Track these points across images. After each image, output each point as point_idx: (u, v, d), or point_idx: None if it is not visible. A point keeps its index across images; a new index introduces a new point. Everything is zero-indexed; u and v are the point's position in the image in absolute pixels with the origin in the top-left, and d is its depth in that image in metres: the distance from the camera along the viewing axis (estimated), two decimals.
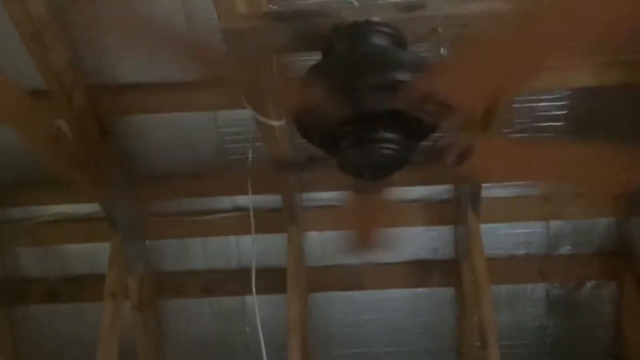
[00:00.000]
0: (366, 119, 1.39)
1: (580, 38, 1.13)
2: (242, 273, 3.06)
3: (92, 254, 3.20)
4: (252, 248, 2.65)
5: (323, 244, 3.21)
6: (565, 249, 3.16)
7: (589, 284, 3.20)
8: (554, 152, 1.66)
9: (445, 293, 3.24)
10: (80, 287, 3.20)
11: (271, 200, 3.04)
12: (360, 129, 1.39)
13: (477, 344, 2.87)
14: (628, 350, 3.08)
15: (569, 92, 2.67)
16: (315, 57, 1.62)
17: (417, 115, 1.38)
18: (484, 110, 2.32)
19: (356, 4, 1.69)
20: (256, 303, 2.30)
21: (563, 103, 2.71)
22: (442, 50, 1.61)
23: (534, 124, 2.79)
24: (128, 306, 3.04)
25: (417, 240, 3.21)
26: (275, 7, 2.21)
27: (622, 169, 1.61)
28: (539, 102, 2.71)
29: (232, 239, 3.18)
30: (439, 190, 3.10)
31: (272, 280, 3.06)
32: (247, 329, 3.32)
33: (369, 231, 2.06)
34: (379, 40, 1.53)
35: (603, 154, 1.56)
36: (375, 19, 1.56)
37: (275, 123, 2.25)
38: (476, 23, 1.67)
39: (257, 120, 2.31)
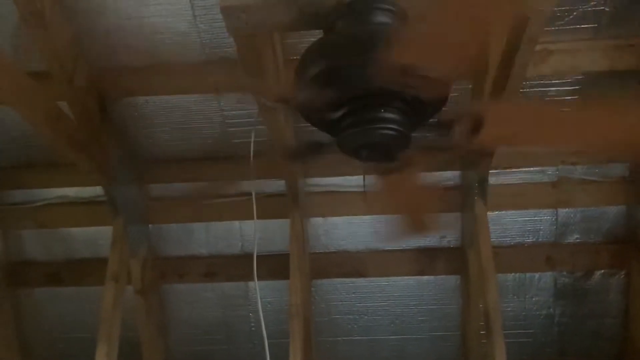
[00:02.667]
0: (364, 99, 1.34)
1: None
2: (245, 258, 3.03)
3: (95, 237, 3.18)
4: (254, 233, 2.61)
5: (327, 229, 3.18)
6: (573, 237, 3.11)
7: (598, 273, 3.14)
8: (572, 113, 1.57)
9: (451, 280, 3.20)
10: (83, 270, 3.19)
11: (275, 185, 3.00)
12: (357, 110, 1.34)
13: (482, 332, 2.83)
14: (636, 339, 3.03)
15: (580, 77, 2.60)
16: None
17: (407, 92, 1.33)
18: (492, 86, 2.24)
19: None
20: (257, 288, 2.27)
21: (574, 88, 2.64)
22: None
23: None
24: (130, 290, 3.03)
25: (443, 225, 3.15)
26: None
27: None
28: (550, 87, 2.64)
29: (236, 223, 3.15)
30: (447, 176, 3.04)
31: (275, 265, 3.04)
32: (250, 314, 3.30)
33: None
34: (382, 18, 1.48)
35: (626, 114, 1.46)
36: None
37: (278, 106, 2.20)
38: None
39: (260, 104, 2.27)
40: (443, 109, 1.43)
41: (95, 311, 2.85)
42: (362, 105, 1.36)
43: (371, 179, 1.67)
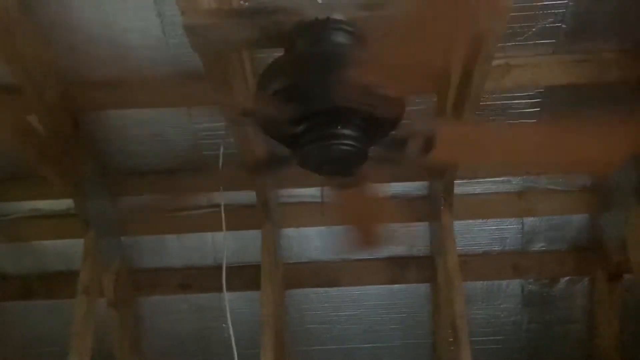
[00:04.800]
0: (322, 116, 1.39)
1: None
2: (218, 269, 3.03)
3: (67, 251, 3.18)
4: (224, 244, 2.65)
5: (299, 240, 3.22)
6: (539, 246, 3.19)
7: (563, 280, 3.22)
8: (522, 134, 1.64)
9: (421, 289, 3.25)
10: (55, 283, 3.18)
11: (247, 196, 3.03)
12: (315, 126, 1.40)
13: (451, 339, 2.89)
14: (600, 344, 3.11)
15: (541, 90, 2.68)
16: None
17: (369, 111, 1.38)
18: (454, 105, 2.32)
19: (319, 1, 1.69)
20: (226, 299, 2.30)
21: (536, 100, 2.73)
22: None
23: (508, 121, 2.80)
24: (104, 303, 3.03)
25: (395, 237, 3.22)
26: (246, 3, 2.21)
27: (609, 146, 1.56)
28: (513, 100, 2.72)
29: (208, 235, 3.17)
30: (415, 187, 3.11)
31: (249, 276, 3.07)
32: (224, 325, 3.31)
33: (368, 228, 2.05)
34: (340, 38, 1.53)
35: (580, 130, 1.53)
36: (336, 16, 1.56)
37: (245, 119, 2.24)
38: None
39: (229, 117, 2.31)
40: (398, 126, 1.49)
41: (68, 325, 2.85)
42: (320, 121, 1.41)
43: (329, 190, 1.73)
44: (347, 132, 1.39)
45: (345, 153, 1.41)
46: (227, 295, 2.41)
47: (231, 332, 2.27)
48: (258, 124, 1.51)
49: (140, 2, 2.34)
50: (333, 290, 3.31)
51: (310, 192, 3.09)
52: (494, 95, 2.66)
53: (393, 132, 1.50)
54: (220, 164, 2.40)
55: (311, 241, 3.22)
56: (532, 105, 2.73)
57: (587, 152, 1.58)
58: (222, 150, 2.35)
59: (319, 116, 1.41)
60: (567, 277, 3.21)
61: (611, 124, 1.53)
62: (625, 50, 2.49)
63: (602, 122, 1.53)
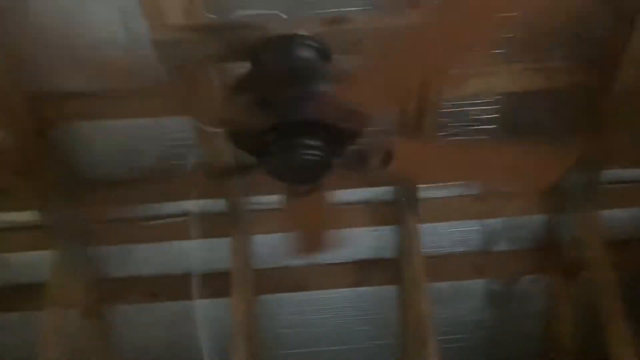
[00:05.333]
0: (289, 127, 1.46)
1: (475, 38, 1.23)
2: (188, 278, 3.07)
3: (36, 263, 3.15)
4: (192, 252, 2.68)
5: (269, 246, 3.27)
6: (501, 246, 3.31)
7: (524, 279, 3.35)
8: (474, 153, 1.76)
9: (388, 291, 3.33)
10: (24, 296, 3.15)
11: (216, 204, 3.07)
12: (282, 137, 1.46)
13: (418, 340, 2.97)
14: (557, 339, 3.25)
15: (500, 97, 2.80)
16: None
17: (334, 123, 1.46)
18: (415, 114, 2.42)
19: (284, 17, 1.76)
20: (198, 307, 2.33)
21: (494, 107, 2.84)
22: None
23: (468, 127, 2.91)
24: (74, 314, 3.03)
25: (362, 241, 3.30)
26: (210, 16, 2.25)
27: (544, 165, 1.71)
28: (472, 107, 2.83)
29: (177, 243, 3.19)
30: (382, 192, 3.19)
31: (219, 283, 3.09)
32: (196, 333, 3.33)
33: (315, 234, 2.14)
34: (305, 53, 1.60)
35: (523, 152, 1.67)
36: (301, 32, 1.63)
37: (214, 130, 2.29)
38: (397, 35, 1.77)
39: (197, 127, 2.36)
40: (360, 139, 1.57)
41: (36, 338, 2.83)
42: (286, 132, 1.47)
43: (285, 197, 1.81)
44: (312, 142, 1.46)
45: (310, 162, 1.48)
46: (201, 303, 2.44)
47: (205, 341, 2.30)
48: (227, 135, 1.57)
49: (107, 14, 2.37)
50: (302, 295, 3.37)
51: (278, 199, 3.13)
52: (452, 103, 2.76)
53: (354, 145, 1.58)
54: (189, 174, 2.44)
55: (280, 247, 3.26)
56: (491, 112, 2.84)
57: (526, 172, 1.74)
58: (190, 160, 2.38)
59: (284, 128, 1.48)
60: (527, 276, 3.34)
61: (545, 150, 1.67)
62: (571, 58, 2.62)
63: (537, 147, 1.68)
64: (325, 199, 1.90)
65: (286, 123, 1.47)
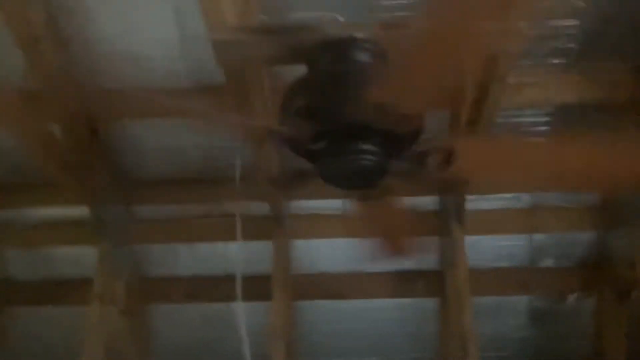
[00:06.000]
0: (343, 132, 1.44)
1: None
2: (228, 279, 3.06)
3: (80, 258, 3.21)
4: (234, 254, 2.68)
5: (309, 252, 3.25)
6: (547, 262, 3.21)
7: (571, 297, 3.24)
8: (541, 150, 1.67)
9: (429, 303, 3.27)
10: (67, 290, 3.21)
11: (259, 206, 3.07)
12: (337, 141, 1.44)
13: (460, 354, 2.90)
14: None
15: (553, 108, 2.72)
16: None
17: (381, 126, 1.43)
18: (468, 122, 2.36)
19: (341, 19, 1.74)
20: (241, 309, 2.32)
21: (546, 119, 2.77)
22: None
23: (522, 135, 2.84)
24: (114, 311, 3.06)
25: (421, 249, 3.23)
26: (265, 18, 2.26)
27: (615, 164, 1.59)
28: (523, 118, 2.76)
29: (219, 244, 3.20)
30: (425, 201, 3.14)
31: (259, 287, 3.07)
32: (234, 335, 3.33)
33: (395, 240, 2.09)
34: (362, 56, 1.58)
35: (593, 150, 1.56)
36: (358, 35, 1.61)
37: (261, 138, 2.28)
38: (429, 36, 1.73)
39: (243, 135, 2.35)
40: (418, 141, 1.53)
41: (78, 332, 2.87)
42: (341, 137, 1.45)
43: (349, 203, 1.77)
44: (366, 147, 1.43)
45: (365, 167, 1.45)
46: (242, 306, 2.43)
47: (246, 343, 2.28)
48: (281, 141, 1.55)
49: (161, 14, 2.40)
50: (341, 303, 3.33)
51: (322, 205, 3.12)
52: (505, 112, 2.70)
53: (413, 147, 1.55)
54: (237, 177, 2.44)
55: (321, 253, 3.24)
56: (543, 124, 2.77)
57: (600, 170, 1.62)
58: (238, 162, 2.38)
59: (340, 132, 1.45)
60: (575, 294, 3.23)
61: (624, 145, 1.56)
62: (634, 69, 2.53)
63: (616, 142, 1.57)
64: (397, 204, 1.85)
65: (340, 127, 1.45)
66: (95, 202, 2.93)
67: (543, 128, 2.80)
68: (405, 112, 1.41)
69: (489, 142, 1.79)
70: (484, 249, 3.19)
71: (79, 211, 3.08)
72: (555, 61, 2.51)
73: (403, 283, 3.23)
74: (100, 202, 2.93)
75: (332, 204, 3.06)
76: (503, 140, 1.98)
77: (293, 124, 1.51)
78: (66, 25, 2.36)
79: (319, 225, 3.15)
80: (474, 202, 3.04)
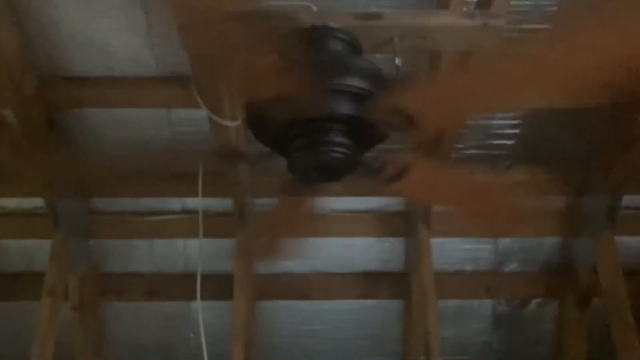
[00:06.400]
0: (321, 122, 1.38)
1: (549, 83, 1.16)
2: (188, 277, 2.98)
3: (32, 251, 3.08)
4: (199, 251, 2.59)
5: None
6: (512, 266, 3.21)
7: (534, 302, 3.25)
8: (467, 180, 1.68)
9: (393, 305, 3.24)
10: (18, 284, 3.07)
11: (221, 203, 2.99)
12: (314, 131, 1.38)
13: (422, 358, 2.88)
14: None
15: (522, 112, 2.72)
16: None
17: (375, 125, 1.38)
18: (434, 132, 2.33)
19: (315, 9, 1.68)
20: (200, 309, 2.24)
21: (516, 122, 2.77)
22: (396, 61, 1.62)
23: (487, 142, 2.84)
24: (67, 306, 2.93)
25: (369, 252, 3.21)
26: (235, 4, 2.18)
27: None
28: (493, 120, 2.76)
29: (180, 242, 3.10)
30: (392, 202, 3.11)
31: (219, 285, 3.00)
32: (191, 335, 3.24)
33: (280, 238, 2.04)
34: (336, 46, 1.53)
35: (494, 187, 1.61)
36: (333, 24, 1.55)
37: (229, 123, 2.21)
38: (432, 36, 1.70)
39: (212, 120, 2.28)
40: (380, 143, 1.49)
41: (29, 327, 2.74)
42: (314, 128, 1.39)
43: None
44: (343, 140, 1.38)
45: (338, 161, 1.40)
46: (201, 305, 2.35)
47: (203, 342, 2.20)
48: (249, 126, 1.49)
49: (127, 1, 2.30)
50: (303, 304, 3.28)
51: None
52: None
53: (374, 152, 1.51)
54: (200, 171, 2.35)
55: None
56: (512, 127, 2.77)
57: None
58: (201, 156, 2.30)
59: (312, 123, 1.40)
60: (538, 300, 3.24)
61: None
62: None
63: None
64: (312, 204, 1.81)
65: (313, 118, 1.39)
66: (50, 194, 2.80)
67: (510, 131, 2.80)
68: (402, 115, 1.35)
69: (439, 169, 1.77)
70: (449, 251, 3.17)
71: (34, 202, 2.95)
72: None
73: (367, 284, 3.19)
74: (55, 194, 2.80)
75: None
76: (456, 170, 1.97)
77: (262, 114, 1.45)
78: (22, 7, 2.24)
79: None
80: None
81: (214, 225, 2.98)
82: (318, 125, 1.38)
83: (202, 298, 2.58)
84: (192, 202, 2.94)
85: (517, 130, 2.79)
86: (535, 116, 2.73)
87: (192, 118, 2.69)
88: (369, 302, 3.24)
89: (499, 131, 2.79)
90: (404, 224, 3.08)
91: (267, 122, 1.48)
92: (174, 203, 3.05)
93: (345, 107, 1.37)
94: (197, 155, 2.32)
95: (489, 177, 1.73)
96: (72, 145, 2.78)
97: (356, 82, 1.38)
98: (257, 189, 2.97)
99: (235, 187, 2.80)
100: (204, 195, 2.80)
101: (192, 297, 2.82)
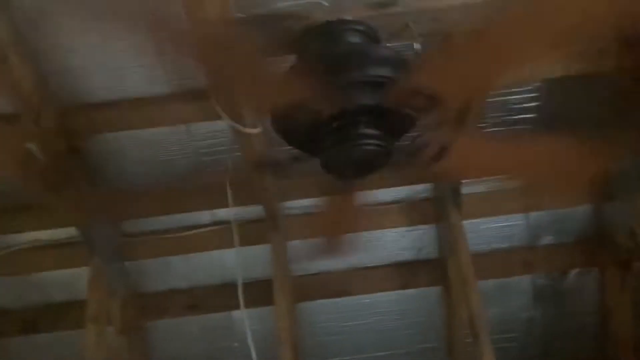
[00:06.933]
0: (349, 116, 1.37)
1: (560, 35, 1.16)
2: (226, 288, 3.00)
3: (71, 280, 3.11)
4: (237, 260, 2.60)
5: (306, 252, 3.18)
6: (546, 239, 3.18)
7: (573, 273, 3.22)
8: (526, 148, 1.68)
9: (432, 292, 3.23)
10: (60, 315, 3.10)
11: (249, 211, 2.99)
12: (343, 127, 1.38)
13: (468, 340, 2.86)
14: (614, 334, 3.11)
15: (540, 84, 2.69)
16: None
17: (401, 111, 1.37)
18: (459, 106, 2.31)
19: (326, 4, 1.68)
20: (245, 316, 2.25)
21: (535, 95, 2.74)
22: (415, 46, 1.62)
23: (508, 117, 2.81)
24: (112, 331, 2.96)
25: (401, 242, 3.20)
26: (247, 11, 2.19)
27: (589, 161, 1.62)
28: (511, 95, 2.73)
29: (215, 253, 3.12)
30: (418, 190, 3.09)
31: (258, 292, 3.01)
32: (236, 344, 3.26)
33: (339, 235, 2.06)
34: (354, 38, 1.53)
35: (570, 147, 1.59)
36: (347, 17, 1.55)
37: (251, 131, 2.22)
38: (446, 17, 1.69)
39: (234, 130, 2.28)
40: (413, 130, 1.49)
41: (76, 356, 2.78)
42: (343, 122, 1.39)
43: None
44: (373, 132, 1.38)
45: (372, 154, 1.39)
46: (240, 313, 2.36)
47: (252, 349, 2.21)
48: (277, 129, 1.49)
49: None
50: (343, 300, 3.28)
51: (314, 203, 3.05)
52: (492, 93, 2.66)
53: (409, 139, 1.50)
54: (228, 182, 2.36)
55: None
56: (532, 100, 2.74)
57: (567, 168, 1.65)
58: (230, 164, 2.31)
59: (340, 117, 1.39)
60: (577, 269, 3.20)
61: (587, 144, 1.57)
62: (619, 37, 2.51)
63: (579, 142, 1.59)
64: (359, 199, 1.82)
65: (344, 112, 1.38)
66: (82, 221, 2.83)
67: (530, 105, 2.77)
68: (422, 95, 1.34)
69: (476, 142, 1.76)
70: (482, 231, 3.15)
71: (67, 232, 2.98)
72: None
73: (404, 274, 3.18)
74: (87, 220, 2.83)
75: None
76: (494, 139, 1.96)
77: (287, 115, 1.45)
78: (33, 37, 2.26)
79: (313, 224, 3.08)
80: (468, 186, 3.00)
81: (247, 233, 3.00)
82: (346, 120, 1.37)
83: (244, 306, 2.60)
84: (222, 213, 2.95)
85: (537, 103, 2.76)
86: (552, 85, 2.69)
87: (213, 131, 2.70)
88: (408, 291, 3.23)
89: (518, 105, 2.76)
90: (434, 210, 3.07)
91: (294, 126, 1.48)
92: (205, 216, 3.06)
93: (368, 98, 1.37)
94: (228, 168, 2.32)
95: (537, 142, 1.70)
96: (97, 172, 2.82)
97: (376, 71, 1.38)
98: (285, 192, 2.98)
99: (263, 193, 2.81)
100: (234, 204, 2.85)
101: (233, 307, 2.86)
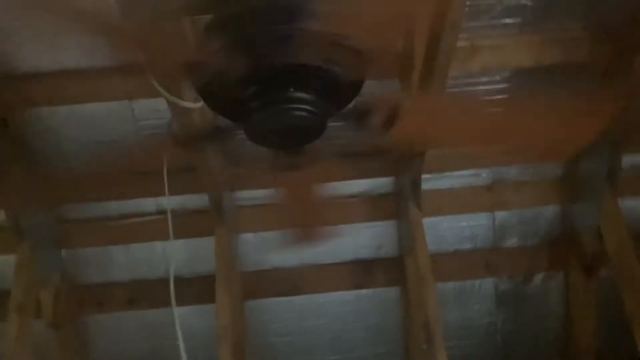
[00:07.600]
0: (273, 77, 1.18)
1: None
2: (169, 282, 2.79)
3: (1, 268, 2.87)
4: (171, 254, 2.41)
5: (258, 246, 2.99)
6: (511, 241, 3.04)
7: (537, 276, 3.08)
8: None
9: (390, 293, 3.06)
10: None
11: (198, 200, 2.80)
12: (266, 89, 1.19)
13: (424, 346, 2.69)
14: (577, 339, 2.98)
15: (508, 73, 2.55)
16: None
17: (335, 72, 1.18)
18: (421, 70, 2.13)
19: None
20: (176, 314, 2.06)
21: (502, 85, 2.59)
22: None
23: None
24: (40, 324, 2.73)
25: (359, 238, 3.03)
26: None
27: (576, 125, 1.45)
28: (478, 85, 2.58)
29: (158, 244, 2.91)
30: (380, 183, 2.94)
31: (204, 287, 2.82)
32: (178, 342, 3.04)
33: (308, 225, 1.89)
34: None
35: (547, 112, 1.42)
36: None
37: (191, 105, 2.03)
38: None
39: (173, 106, 2.09)
40: (359, 94, 1.30)
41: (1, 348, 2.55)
42: (272, 83, 1.20)
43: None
44: (304, 95, 1.18)
45: (301, 120, 1.20)
46: (183, 310, 2.16)
47: (182, 350, 2.02)
48: (202, 96, 1.30)
49: None
50: (296, 299, 3.09)
51: (268, 194, 2.87)
52: (458, 81, 2.51)
53: (353, 101, 1.31)
54: (165, 163, 2.15)
55: (270, 247, 2.99)
56: (499, 90, 2.59)
57: (553, 134, 1.48)
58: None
59: (270, 77, 1.20)
60: (542, 273, 3.07)
61: (577, 105, 1.42)
62: (591, 28, 2.38)
63: (568, 103, 1.43)
64: (316, 189, 1.66)
65: (267, 72, 1.19)
66: (11, 205, 2.60)
67: (499, 95, 2.62)
68: (352, 50, 1.15)
69: (436, 100, 1.58)
70: (444, 230, 2.99)
71: None
72: (509, 20, 2.33)
73: (361, 273, 3.01)
74: (17, 204, 2.60)
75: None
76: (454, 100, 1.78)
77: (215, 63, 1.24)
78: None
79: (267, 216, 2.89)
80: (431, 181, 2.84)
81: (193, 224, 2.81)
82: (266, 83, 1.18)
83: (187, 302, 2.41)
84: (166, 201, 2.75)
85: (505, 93, 2.61)
86: (520, 74, 2.54)
87: (157, 109, 2.49)
88: (364, 291, 3.06)
89: (486, 94, 2.61)
90: (394, 206, 2.91)
91: (219, 94, 1.29)
92: (148, 204, 2.86)
93: (280, 54, 1.16)
94: (160, 147, 2.11)
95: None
96: (30, 150, 2.59)
97: (277, 22, 1.17)
98: (233, 181, 2.79)
99: (208, 180, 2.61)
100: (178, 192, 2.65)
101: (176, 303, 2.64)
